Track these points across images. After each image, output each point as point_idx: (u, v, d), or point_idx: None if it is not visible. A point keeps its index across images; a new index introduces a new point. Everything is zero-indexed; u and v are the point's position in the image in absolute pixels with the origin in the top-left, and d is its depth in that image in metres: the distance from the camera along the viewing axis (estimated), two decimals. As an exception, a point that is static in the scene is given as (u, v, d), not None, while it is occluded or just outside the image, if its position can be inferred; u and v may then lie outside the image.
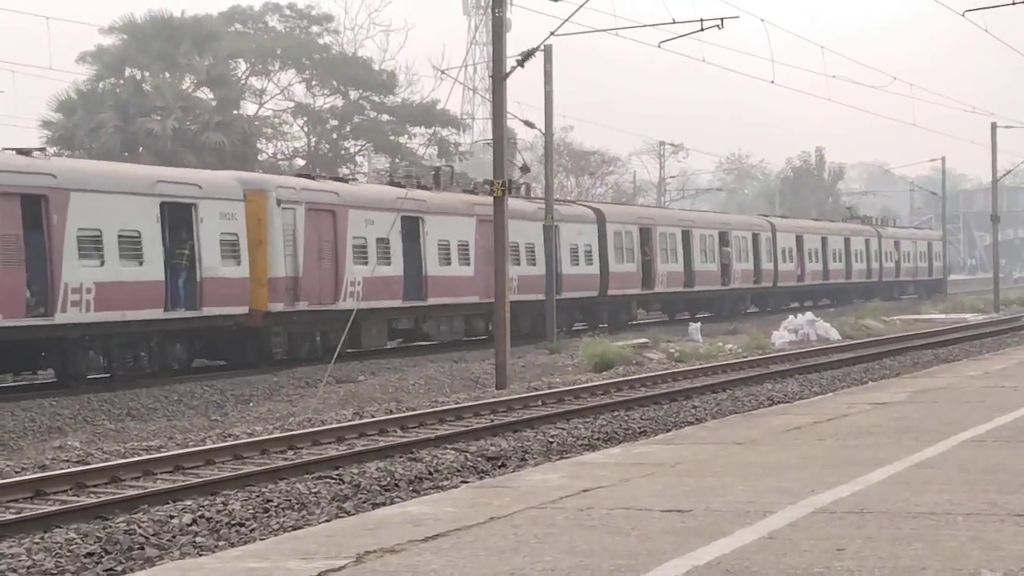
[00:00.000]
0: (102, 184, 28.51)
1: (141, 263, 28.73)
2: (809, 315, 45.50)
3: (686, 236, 53.84)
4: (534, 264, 42.46)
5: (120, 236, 28.34)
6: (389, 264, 35.86)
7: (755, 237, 60.26)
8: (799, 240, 64.75)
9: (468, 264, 39.42)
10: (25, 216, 26.50)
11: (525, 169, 47.45)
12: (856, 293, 70.77)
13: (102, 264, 27.77)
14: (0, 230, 25.94)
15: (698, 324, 44.54)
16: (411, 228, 37.19)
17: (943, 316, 59.22)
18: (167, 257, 29.53)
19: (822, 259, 67.18)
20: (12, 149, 28.14)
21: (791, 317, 45.53)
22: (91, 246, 27.58)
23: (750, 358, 34.28)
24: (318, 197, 34.02)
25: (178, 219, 30.02)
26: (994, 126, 65.34)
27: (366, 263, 34.67)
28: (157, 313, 29.18)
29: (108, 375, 28.84)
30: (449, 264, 38.66)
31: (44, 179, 27.10)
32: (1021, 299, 75.13)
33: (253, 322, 31.84)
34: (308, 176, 38.34)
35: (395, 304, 36.42)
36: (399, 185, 38.74)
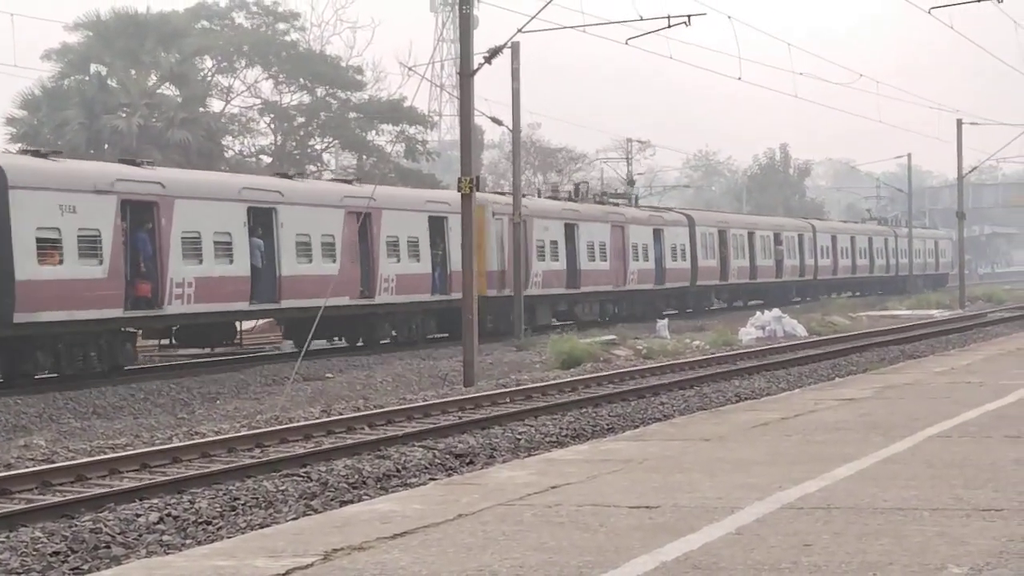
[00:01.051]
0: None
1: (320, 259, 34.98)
2: (776, 311, 45.63)
3: (751, 237, 63.48)
4: (647, 259, 53.26)
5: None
6: (557, 261, 46.57)
7: (800, 237, 69.76)
8: (833, 239, 74.88)
9: (605, 260, 49.80)
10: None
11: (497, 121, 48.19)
12: (878, 286, 79.89)
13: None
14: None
15: (666, 320, 44.64)
16: (570, 233, 47.66)
17: (909, 312, 59.49)
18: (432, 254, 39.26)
19: (851, 256, 77.00)
20: (125, 161, 32.85)
21: (758, 313, 45.67)
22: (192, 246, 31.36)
23: (718, 355, 34.35)
24: (507, 209, 42.75)
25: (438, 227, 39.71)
26: (959, 123, 65.67)
27: (544, 260, 45.59)
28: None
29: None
30: (593, 261, 48.83)
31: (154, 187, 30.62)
32: (986, 295, 75.51)
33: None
34: (500, 193, 47.42)
35: (561, 291, 47.00)
36: (569, 199, 51.22)
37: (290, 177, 38.26)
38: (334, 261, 34.98)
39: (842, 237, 76.21)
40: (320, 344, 36.76)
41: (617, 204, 54.90)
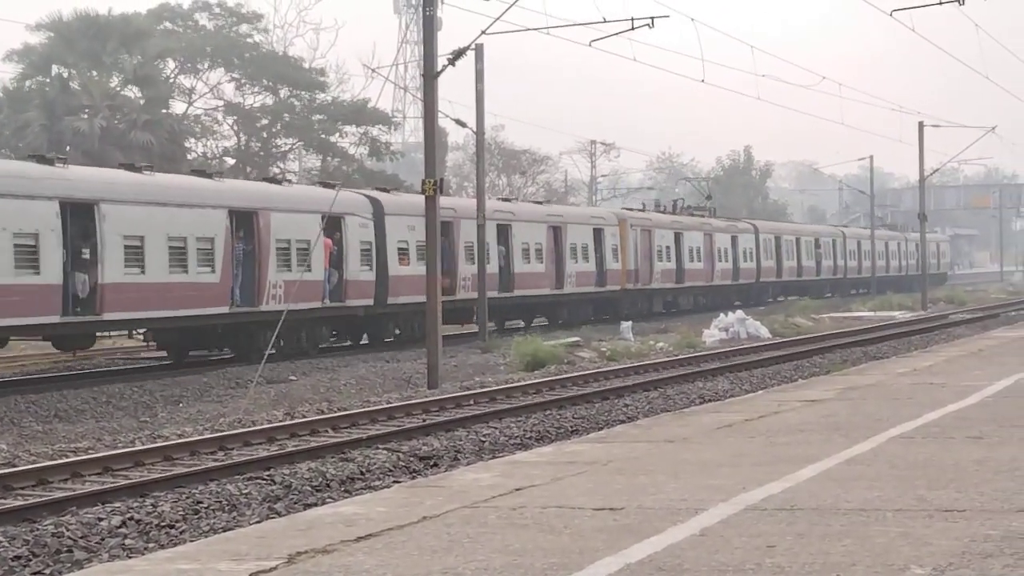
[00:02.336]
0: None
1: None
2: (740, 313, 45.76)
3: (798, 242, 75.89)
4: (727, 260, 65.35)
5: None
6: (671, 262, 58.50)
7: (834, 242, 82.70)
8: (859, 244, 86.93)
9: (700, 261, 62.13)
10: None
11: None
12: (889, 284, 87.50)
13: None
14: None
15: (629, 323, 44.70)
16: (677, 240, 59.31)
17: (872, 314, 59.74)
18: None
19: (872, 258, 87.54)
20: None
21: (721, 315, 45.78)
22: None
23: (682, 356, 34.42)
24: (642, 222, 56.53)
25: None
26: (921, 125, 65.97)
27: (662, 260, 57.23)
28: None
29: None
30: (692, 262, 60.90)
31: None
32: (948, 297, 75.91)
33: (617, 296, 54.00)
34: (631, 209, 59.82)
35: (670, 286, 58.90)
36: (693, 213, 65.77)
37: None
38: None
39: (864, 242, 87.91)
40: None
41: (704, 216, 66.90)
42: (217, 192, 34.04)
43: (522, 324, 48.77)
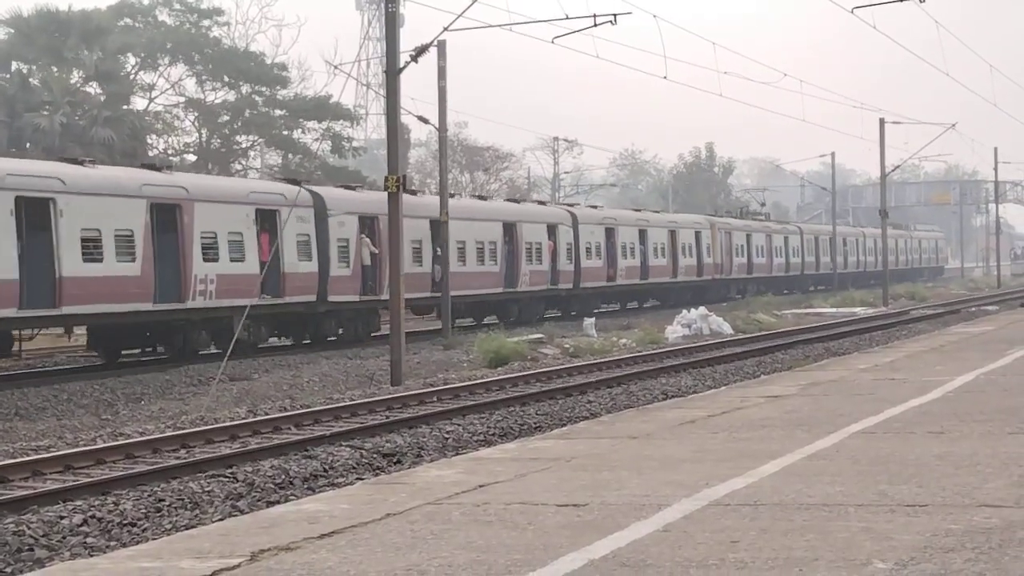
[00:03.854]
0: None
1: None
2: (702, 309, 45.87)
3: (833, 241, 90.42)
4: (782, 256, 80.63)
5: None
6: (741, 256, 73.02)
7: (860, 240, 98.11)
8: (876, 241, 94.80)
9: (764, 257, 77.75)
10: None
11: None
12: (903, 276, 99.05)
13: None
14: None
15: (592, 319, 44.76)
16: (749, 240, 74.61)
17: (833, 310, 59.99)
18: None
19: (897, 254, 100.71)
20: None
21: (684, 312, 45.88)
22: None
23: (645, 353, 34.48)
24: (724, 226, 70.79)
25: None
26: (882, 122, 66.29)
27: (739, 256, 72.26)
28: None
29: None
30: (758, 257, 76.28)
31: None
32: (909, 293, 76.30)
33: (707, 284, 66.93)
34: (716, 216, 74.58)
35: (744, 276, 73.76)
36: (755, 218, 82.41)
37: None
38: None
39: (869, 240, 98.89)
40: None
41: (762, 219, 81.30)
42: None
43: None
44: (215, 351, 33.34)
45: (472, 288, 45.65)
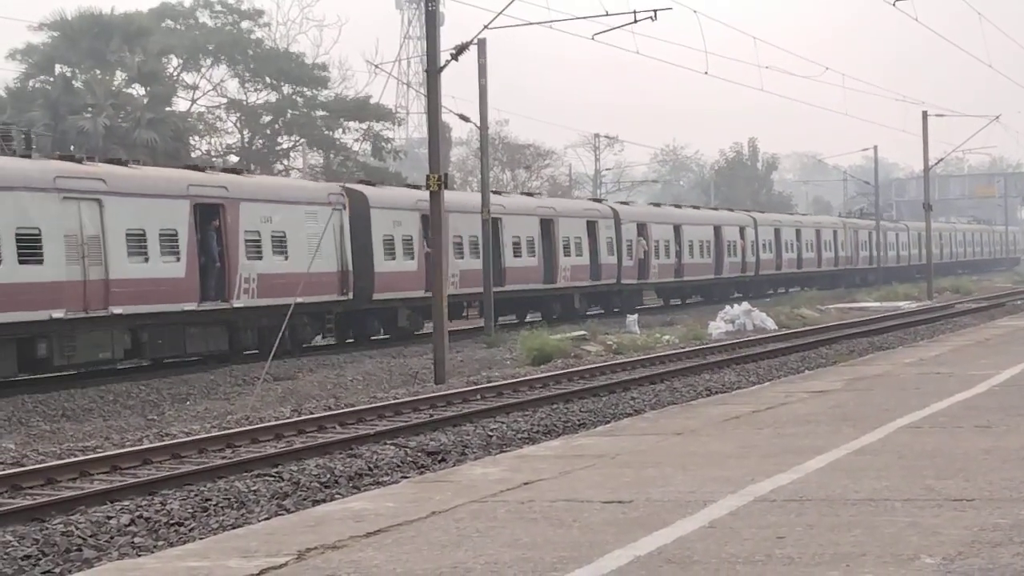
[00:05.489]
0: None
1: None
2: (745, 305, 45.74)
3: (885, 235, 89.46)
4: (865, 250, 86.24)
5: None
6: (830, 252, 79.82)
7: (911, 235, 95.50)
8: (976, 235, 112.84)
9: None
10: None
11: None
12: (982, 267, 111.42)
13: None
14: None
15: (635, 316, 44.69)
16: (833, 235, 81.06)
17: (877, 304, 59.67)
18: None
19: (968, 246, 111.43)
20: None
21: (727, 308, 45.75)
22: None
23: (688, 349, 34.40)
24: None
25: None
26: (925, 115, 65.85)
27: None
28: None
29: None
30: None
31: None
32: (954, 287, 75.85)
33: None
34: (852, 216, 79.23)
35: (832, 270, 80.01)
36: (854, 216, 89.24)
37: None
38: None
39: (962, 234, 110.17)
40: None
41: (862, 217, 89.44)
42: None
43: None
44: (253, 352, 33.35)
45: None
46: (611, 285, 53.61)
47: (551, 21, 33.39)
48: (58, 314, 27.86)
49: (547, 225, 49.13)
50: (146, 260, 30.36)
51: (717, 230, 64.32)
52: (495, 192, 46.85)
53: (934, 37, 50.12)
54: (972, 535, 7.64)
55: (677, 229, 59.96)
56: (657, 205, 66.29)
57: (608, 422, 19.51)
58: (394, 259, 39.64)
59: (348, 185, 40.71)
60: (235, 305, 32.80)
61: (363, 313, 38.97)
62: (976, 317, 46.39)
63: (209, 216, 32.59)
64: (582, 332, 38.83)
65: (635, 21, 31.73)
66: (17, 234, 27.42)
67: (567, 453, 11.98)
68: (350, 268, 37.08)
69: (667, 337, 38.97)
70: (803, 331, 41.13)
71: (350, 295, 37.25)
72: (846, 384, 17.82)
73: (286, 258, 34.43)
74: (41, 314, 27.60)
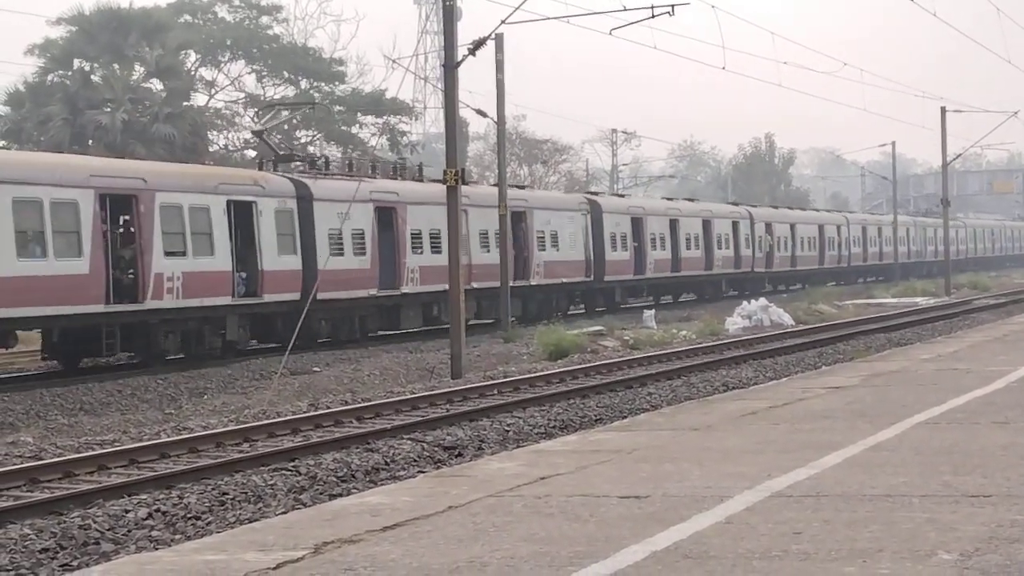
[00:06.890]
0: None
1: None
2: (763, 300, 45.68)
3: (907, 230, 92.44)
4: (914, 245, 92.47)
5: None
6: (874, 247, 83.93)
7: (930, 230, 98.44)
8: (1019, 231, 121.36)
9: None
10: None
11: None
12: (1006, 263, 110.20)
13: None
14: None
15: (652, 311, 44.66)
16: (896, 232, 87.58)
17: (895, 300, 59.55)
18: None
19: (994, 242, 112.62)
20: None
21: (744, 303, 45.70)
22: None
23: (704, 344, 34.37)
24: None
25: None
26: (943, 110, 65.70)
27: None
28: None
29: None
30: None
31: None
32: (972, 283, 75.65)
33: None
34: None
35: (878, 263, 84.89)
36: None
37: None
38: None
39: (995, 230, 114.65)
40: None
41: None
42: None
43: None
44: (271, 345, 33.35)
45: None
46: (746, 273, 64.68)
47: (569, 16, 33.41)
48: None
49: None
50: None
51: (820, 228, 75.86)
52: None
53: (953, 33, 50.04)
54: (990, 531, 7.63)
55: (792, 227, 71.18)
56: (775, 208, 76.93)
57: (625, 417, 19.52)
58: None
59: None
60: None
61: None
62: (994, 313, 46.28)
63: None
64: (599, 327, 38.81)
65: (652, 16, 31.75)
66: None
67: (584, 448, 11.98)
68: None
69: (684, 332, 38.94)
70: (820, 327, 41.07)
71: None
72: (863, 380, 17.79)
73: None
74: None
